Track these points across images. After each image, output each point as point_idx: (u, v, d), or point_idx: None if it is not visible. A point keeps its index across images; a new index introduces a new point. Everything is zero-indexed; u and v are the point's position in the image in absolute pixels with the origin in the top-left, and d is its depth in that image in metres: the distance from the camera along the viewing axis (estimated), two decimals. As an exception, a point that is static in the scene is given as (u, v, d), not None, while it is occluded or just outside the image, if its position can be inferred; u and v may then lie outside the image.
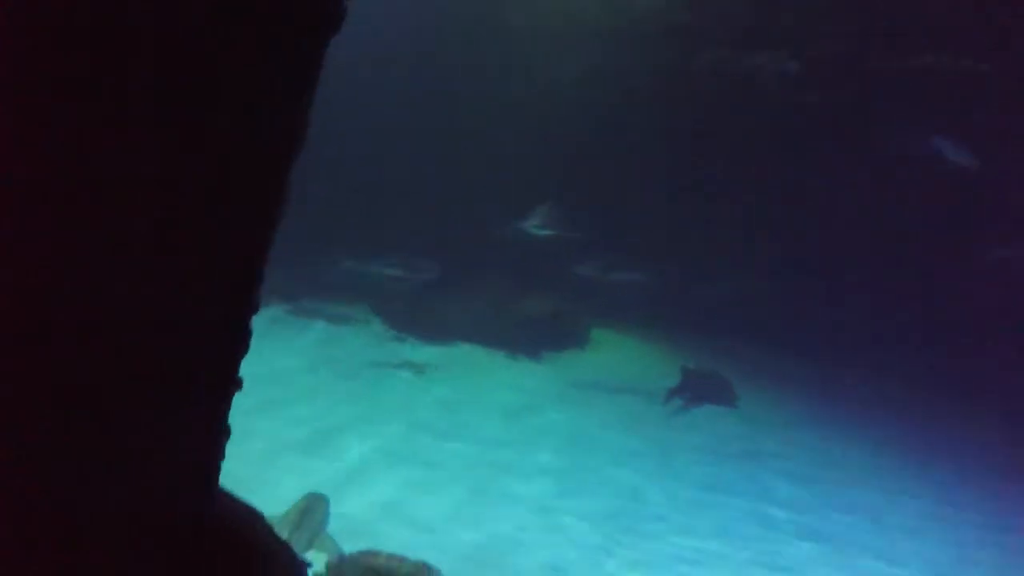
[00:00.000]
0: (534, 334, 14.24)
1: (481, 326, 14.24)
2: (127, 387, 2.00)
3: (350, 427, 10.90)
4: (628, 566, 8.49)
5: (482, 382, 13.10)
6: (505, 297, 14.46)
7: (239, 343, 2.26)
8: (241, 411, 2.51)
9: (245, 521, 2.56)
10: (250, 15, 1.99)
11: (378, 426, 11.06)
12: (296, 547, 6.26)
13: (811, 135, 13.84)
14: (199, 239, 2.06)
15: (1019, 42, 12.79)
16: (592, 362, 14.26)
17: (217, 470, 2.35)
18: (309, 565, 5.56)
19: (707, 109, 14.06)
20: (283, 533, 6.53)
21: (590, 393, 13.09)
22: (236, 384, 2.30)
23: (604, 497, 9.89)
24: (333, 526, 7.42)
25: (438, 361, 13.54)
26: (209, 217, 2.06)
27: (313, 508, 7.34)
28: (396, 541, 7.64)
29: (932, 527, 10.12)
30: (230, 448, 2.35)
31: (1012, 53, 12.80)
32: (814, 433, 12.52)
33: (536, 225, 13.27)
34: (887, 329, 14.01)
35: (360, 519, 8.40)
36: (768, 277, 14.31)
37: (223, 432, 2.32)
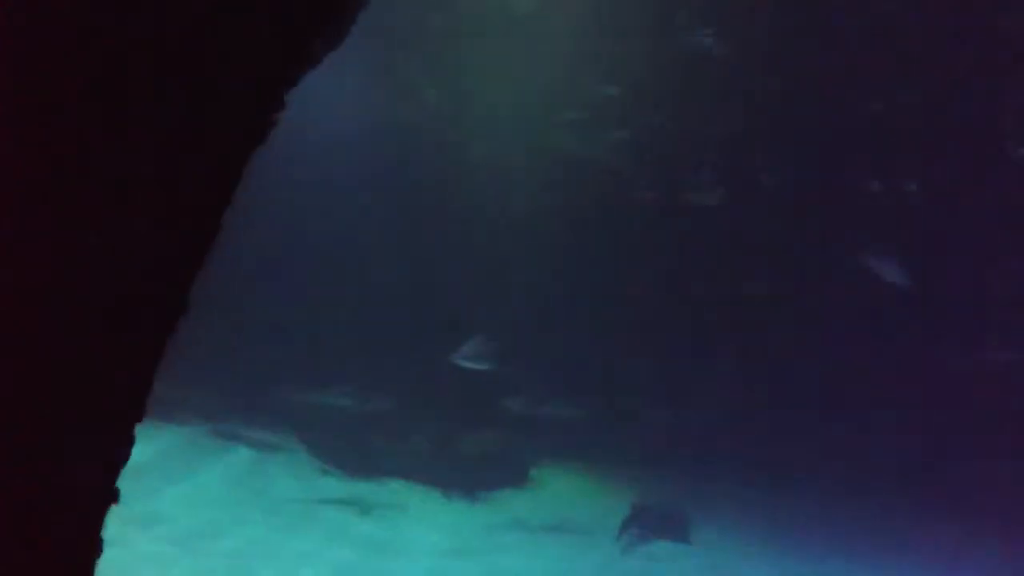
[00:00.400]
0: (470, 472, 13.53)
1: (414, 462, 13.52)
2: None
3: (267, 566, 10.14)
4: None
5: (412, 522, 12.30)
6: (441, 432, 13.84)
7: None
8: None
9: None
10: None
11: (297, 567, 10.28)
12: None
13: (745, 259, 13.92)
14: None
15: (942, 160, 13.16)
16: (530, 501, 13.48)
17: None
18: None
19: (644, 241, 14.17)
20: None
21: (527, 535, 12.31)
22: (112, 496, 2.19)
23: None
24: None
25: (366, 498, 12.72)
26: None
27: None
28: None
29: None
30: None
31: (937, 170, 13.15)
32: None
33: (466, 357, 12.77)
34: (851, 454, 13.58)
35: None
36: (714, 406, 13.95)
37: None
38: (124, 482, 2.15)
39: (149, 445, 11.89)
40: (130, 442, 2.15)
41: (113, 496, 2.14)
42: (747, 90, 13.51)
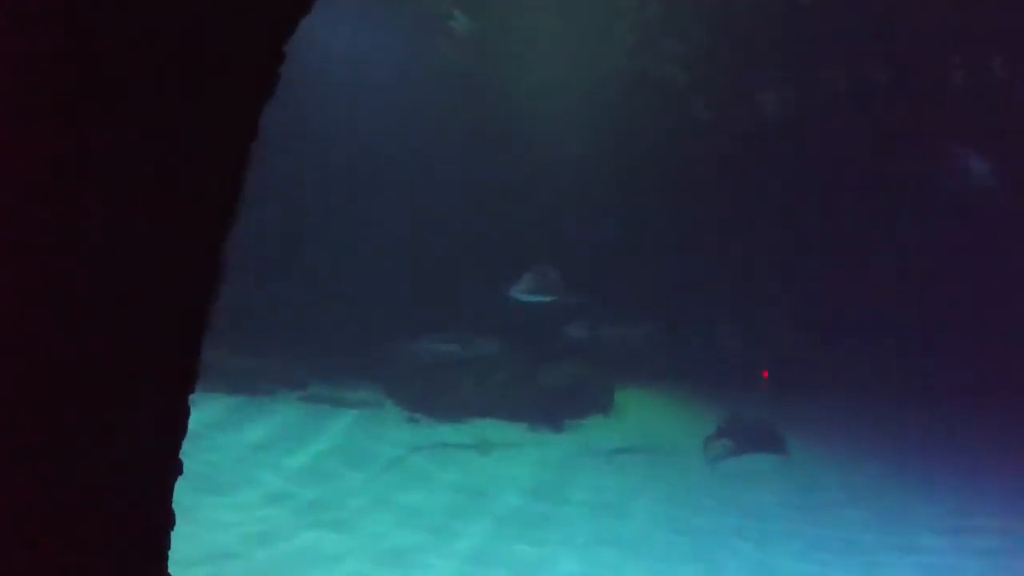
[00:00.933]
0: (554, 404, 13.65)
1: (498, 400, 13.68)
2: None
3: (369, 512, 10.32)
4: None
5: (503, 458, 12.50)
6: (521, 368, 13.93)
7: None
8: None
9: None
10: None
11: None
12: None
13: (815, 174, 13.48)
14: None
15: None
16: (618, 427, 13.61)
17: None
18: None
19: (707, 161, 13.74)
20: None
21: (620, 460, 12.47)
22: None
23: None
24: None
25: (456, 440, 12.95)
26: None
27: None
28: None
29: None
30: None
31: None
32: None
33: (523, 291, 12.63)
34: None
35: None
36: (780, 325, 13.83)
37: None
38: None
39: (264, 423, 12.40)
40: (139, 442, 2.13)
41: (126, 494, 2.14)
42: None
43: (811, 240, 14.04)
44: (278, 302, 13.22)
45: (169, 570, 2.29)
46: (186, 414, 2.28)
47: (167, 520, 2.27)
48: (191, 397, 2.29)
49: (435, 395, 13.68)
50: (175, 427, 2.25)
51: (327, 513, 10.22)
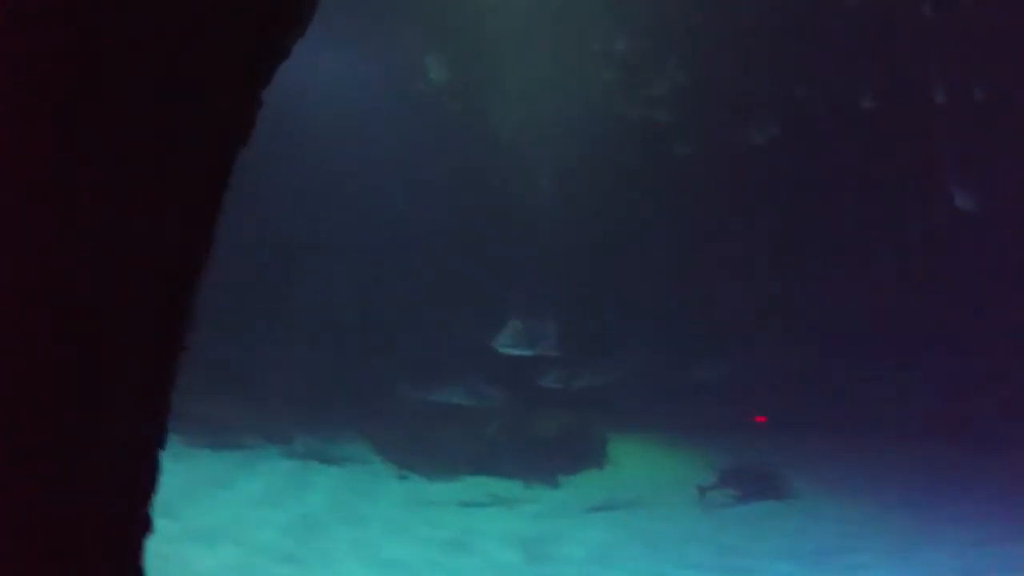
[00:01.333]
0: (547, 457, 13.33)
1: (490, 454, 13.38)
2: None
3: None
4: None
5: (494, 514, 12.15)
6: (511, 419, 13.66)
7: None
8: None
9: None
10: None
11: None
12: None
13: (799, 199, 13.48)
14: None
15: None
16: (612, 479, 13.26)
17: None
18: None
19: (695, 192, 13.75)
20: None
21: (614, 515, 12.10)
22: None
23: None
24: None
25: (446, 496, 12.61)
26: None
27: None
28: None
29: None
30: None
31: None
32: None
33: (506, 344, 12.31)
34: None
35: None
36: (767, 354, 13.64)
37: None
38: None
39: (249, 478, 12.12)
40: (133, 443, 2.12)
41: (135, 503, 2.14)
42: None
43: (808, 271, 13.96)
44: (266, 353, 13.06)
45: None
46: (167, 413, 2.25)
47: (147, 524, 2.23)
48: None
49: (425, 448, 13.38)
50: (160, 429, 2.24)
51: (310, 569, 9.91)
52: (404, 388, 13.41)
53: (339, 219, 13.74)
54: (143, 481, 2.22)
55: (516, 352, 12.22)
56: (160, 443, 2.24)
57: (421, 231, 14.02)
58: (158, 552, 2.24)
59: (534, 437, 13.58)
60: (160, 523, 2.19)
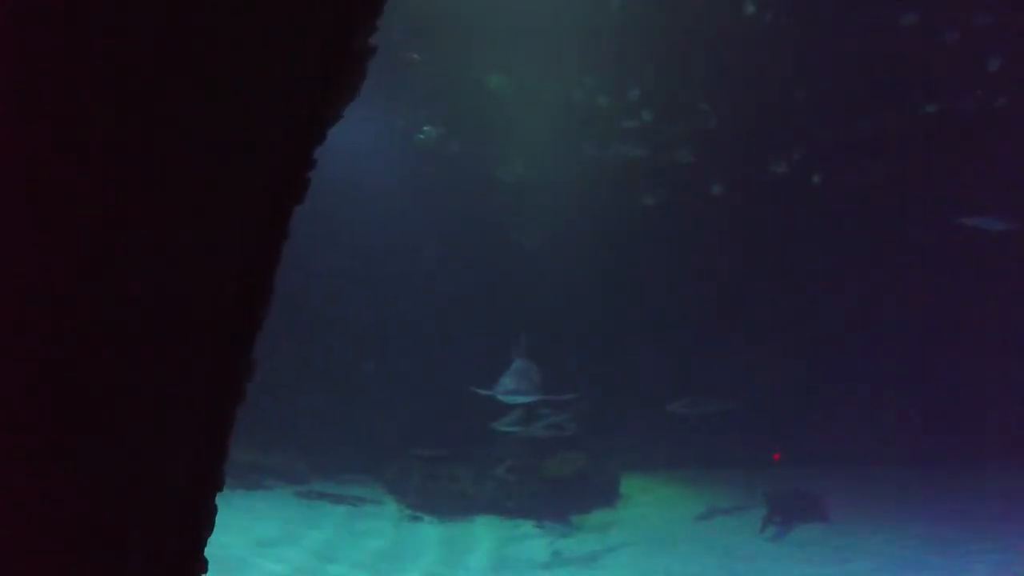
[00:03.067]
0: (559, 497, 13.31)
1: (500, 496, 13.39)
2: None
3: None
4: None
5: (508, 555, 12.11)
6: (523, 461, 13.66)
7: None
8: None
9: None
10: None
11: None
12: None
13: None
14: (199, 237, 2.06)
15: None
16: (625, 520, 13.23)
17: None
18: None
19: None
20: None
21: (628, 552, 12.06)
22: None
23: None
24: None
25: (459, 538, 12.59)
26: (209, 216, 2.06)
27: None
28: None
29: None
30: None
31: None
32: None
33: (504, 392, 12.28)
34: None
35: None
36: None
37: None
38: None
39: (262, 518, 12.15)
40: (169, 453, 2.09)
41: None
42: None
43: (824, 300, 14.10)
44: (282, 396, 13.19)
45: None
46: (225, 455, 2.25)
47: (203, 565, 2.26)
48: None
49: (436, 490, 13.39)
50: (218, 470, 2.25)
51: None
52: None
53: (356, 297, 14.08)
54: (202, 520, 2.30)
55: (516, 400, 12.17)
56: (218, 484, 2.31)
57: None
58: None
59: (544, 477, 13.55)
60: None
